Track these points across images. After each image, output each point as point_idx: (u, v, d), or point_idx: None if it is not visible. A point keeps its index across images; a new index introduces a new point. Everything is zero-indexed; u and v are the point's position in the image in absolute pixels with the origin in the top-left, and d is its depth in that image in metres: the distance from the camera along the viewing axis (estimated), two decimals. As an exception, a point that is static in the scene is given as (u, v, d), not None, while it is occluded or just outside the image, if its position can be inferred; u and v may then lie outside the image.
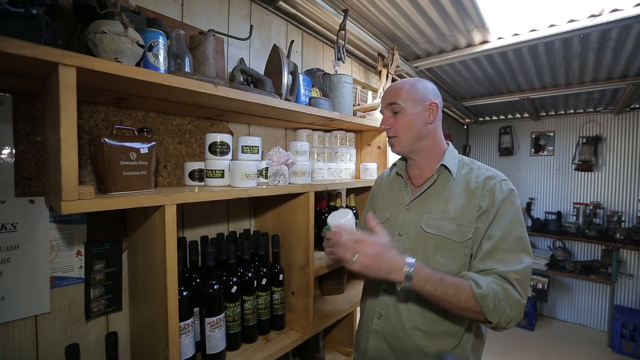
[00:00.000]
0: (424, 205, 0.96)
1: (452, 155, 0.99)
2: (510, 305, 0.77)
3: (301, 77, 1.33)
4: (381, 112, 1.04)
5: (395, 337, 0.93)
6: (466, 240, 0.88)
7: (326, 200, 1.62)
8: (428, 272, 0.79)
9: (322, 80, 1.49)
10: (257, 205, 1.47)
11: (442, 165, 0.96)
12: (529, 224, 4.12)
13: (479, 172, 0.94)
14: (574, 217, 3.85)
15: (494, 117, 4.51)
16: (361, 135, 1.83)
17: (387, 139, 1.03)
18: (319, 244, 1.53)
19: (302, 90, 1.33)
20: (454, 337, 0.89)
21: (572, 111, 3.92)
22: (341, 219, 0.88)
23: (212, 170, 1.06)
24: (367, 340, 0.99)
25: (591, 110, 3.79)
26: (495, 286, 0.78)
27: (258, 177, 1.11)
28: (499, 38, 1.95)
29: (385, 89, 1.06)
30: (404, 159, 1.09)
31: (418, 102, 0.96)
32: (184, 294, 0.93)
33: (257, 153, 1.13)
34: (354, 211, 1.65)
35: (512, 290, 0.78)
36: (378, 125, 1.63)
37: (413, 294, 0.88)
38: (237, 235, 1.27)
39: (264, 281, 1.17)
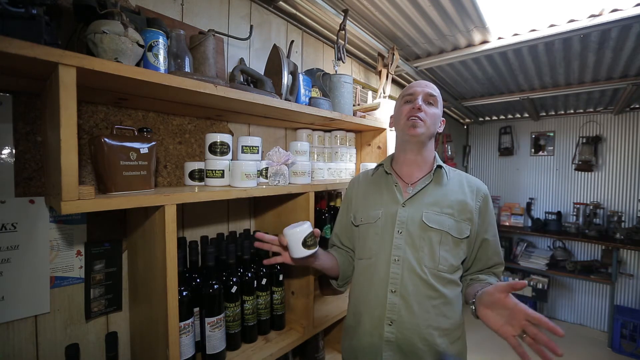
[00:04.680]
0: (421, 201, 0.98)
1: (440, 160, 1.08)
2: None
3: (301, 77, 1.33)
4: (409, 95, 1.02)
5: (410, 343, 0.88)
6: (464, 237, 0.95)
7: (326, 200, 1.62)
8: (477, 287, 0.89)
9: (322, 80, 1.49)
10: (257, 205, 1.47)
11: (439, 166, 1.03)
12: (529, 224, 4.11)
13: (467, 177, 1.05)
14: (574, 217, 3.84)
15: (494, 117, 4.51)
16: (361, 135, 1.83)
17: (408, 119, 0.98)
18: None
19: (302, 90, 1.33)
20: (459, 330, 0.95)
21: (572, 111, 3.91)
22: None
23: (212, 170, 1.06)
24: (376, 354, 0.90)
25: (591, 110, 3.79)
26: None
27: (258, 177, 1.10)
28: (499, 38, 1.95)
29: (409, 83, 1.07)
30: (390, 157, 1.12)
31: (440, 109, 1.05)
32: (184, 294, 0.93)
33: (257, 153, 1.12)
34: None
35: (498, 282, 0.97)
36: (378, 125, 1.65)
37: (422, 289, 0.89)
38: (237, 235, 1.26)
39: (264, 281, 1.17)
